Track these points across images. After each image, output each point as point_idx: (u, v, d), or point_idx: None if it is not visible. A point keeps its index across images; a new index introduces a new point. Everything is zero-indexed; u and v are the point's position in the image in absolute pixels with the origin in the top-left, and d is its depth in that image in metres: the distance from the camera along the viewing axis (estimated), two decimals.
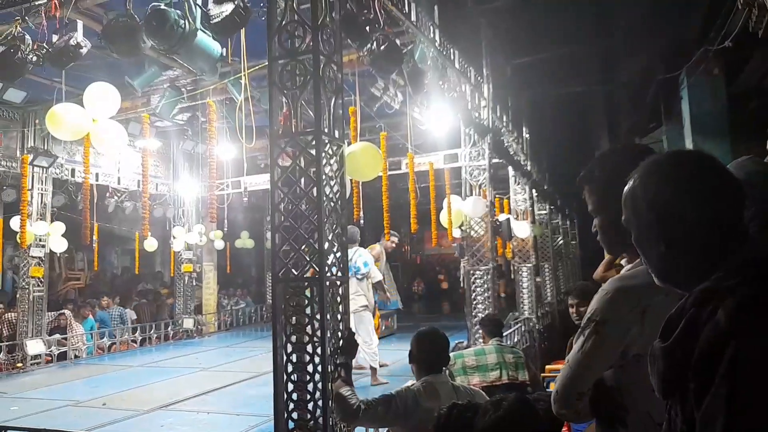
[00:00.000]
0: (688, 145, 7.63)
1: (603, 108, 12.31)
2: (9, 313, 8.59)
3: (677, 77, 7.73)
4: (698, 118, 7.34)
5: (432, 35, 5.70)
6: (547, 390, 5.09)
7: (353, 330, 3.29)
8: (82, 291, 12.73)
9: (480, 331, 5.32)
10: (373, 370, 6.43)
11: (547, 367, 6.58)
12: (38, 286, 8.24)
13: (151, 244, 9.85)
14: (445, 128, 7.63)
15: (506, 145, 8.27)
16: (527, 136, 10.39)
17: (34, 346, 8.04)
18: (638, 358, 1.38)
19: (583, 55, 9.01)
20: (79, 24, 4.92)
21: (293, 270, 3.13)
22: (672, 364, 0.88)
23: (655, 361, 0.91)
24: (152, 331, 10.27)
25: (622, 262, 1.60)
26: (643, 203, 1.03)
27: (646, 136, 11.29)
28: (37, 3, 4.59)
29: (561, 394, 1.43)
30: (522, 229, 9.60)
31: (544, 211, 11.90)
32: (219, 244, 11.38)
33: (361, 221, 7.20)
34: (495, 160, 7.76)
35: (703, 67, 7.03)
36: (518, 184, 10.12)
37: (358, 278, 6.72)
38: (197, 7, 4.16)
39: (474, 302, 7.07)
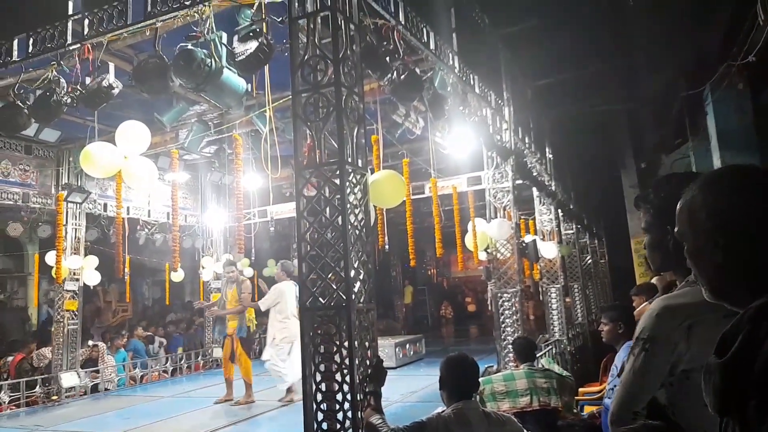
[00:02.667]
0: (716, 160, 7.51)
1: (627, 125, 12.22)
2: (43, 348, 8.76)
3: (701, 93, 7.66)
4: (725, 133, 7.25)
5: (451, 62, 5.77)
6: (582, 414, 4.97)
7: (379, 359, 3.29)
8: (129, 321, 13.06)
9: (512, 353, 5.24)
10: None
11: (581, 390, 6.44)
12: (72, 319, 8.43)
13: (178, 276, 10.01)
14: (467, 151, 7.67)
15: (530, 166, 8.25)
16: (550, 156, 10.35)
17: (69, 379, 8.19)
18: (687, 374, 1.41)
19: (605, 73, 8.99)
20: (111, 66, 5.12)
21: (320, 299, 3.17)
22: (729, 380, 0.87)
23: (710, 377, 0.90)
24: (182, 361, 10.39)
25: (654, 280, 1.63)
26: (702, 213, 1.03)
27: (672, 152, 11.15)
28: (70, 48, 4.81)
29: (616, 414, 1.49)
30: (549, 250, 9.50)
31: (571, 231, 11.77)
32: (248, 272, 11.49)
33: (386, 247, 7.23)
34: (519, 182, 7.75)
35: (727, 82, 6.97)
36: (543, 204, 10.04)
37: None
38: (223, 46, 4.31)
39: (503, 325, 6.99)
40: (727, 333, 0.91)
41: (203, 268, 10.78)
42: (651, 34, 7.64)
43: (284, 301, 7.01)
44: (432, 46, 5.24)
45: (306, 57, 3.33)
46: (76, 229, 8.65)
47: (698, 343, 1.40)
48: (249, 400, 7.11)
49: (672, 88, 8.88)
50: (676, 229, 1.10)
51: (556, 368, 4.44)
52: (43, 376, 8.21)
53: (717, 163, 7.47)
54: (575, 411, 4.13)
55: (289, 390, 6.91)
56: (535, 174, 8.70)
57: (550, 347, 7.83)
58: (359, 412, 2.92)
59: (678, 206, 1.10)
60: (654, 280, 5.38)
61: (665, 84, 9.06)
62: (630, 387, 1.47)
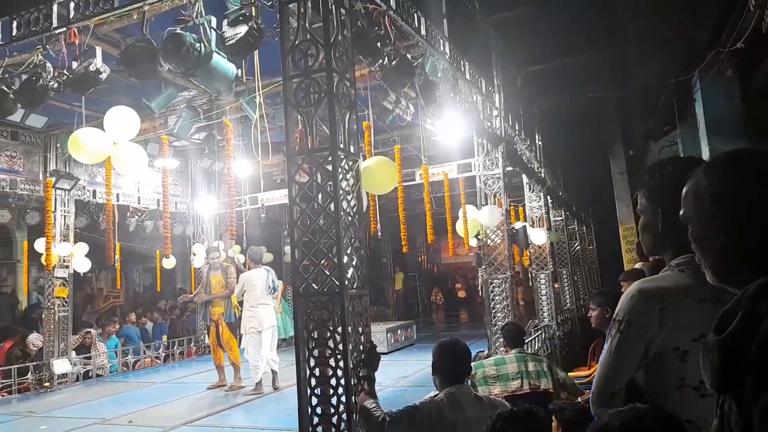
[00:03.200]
0: (704, 147, 7.58)
1: (616, 112, 12.27)
2: (34, 334, 8.71)
3: (690, 80, 7.71)
4: (713, 120, 7.31)
5: (442, 48, 5.76)
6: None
7: (373, 344, 3.32)
8: (121, 308, 13.02)
9: (501, 339, 5.30)
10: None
11: (570, 374, 6.53)
12: (63, 306, 8.39)
13: (169, 262, 9.98)
14: (457, 138, 7.68)
15: (519, 153, 8.27)
16: (540, 143, 10.39)
17: (60, 366, 8.18)
18: (659, 357, 1.44)
19: (595, 61, 9.01)
20: (98, 50, 5.05)
21: (314, 284, 3.18)
22: (727, 357, 0.88)
23: (708, 354, 0.91)
24: (175, 348, 10.40)
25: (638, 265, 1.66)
26: (706, 195, 1.04)
27: (660, 139, 11.23)
28: (56, 31, 4.73)
29: (596, 394, 1.54)
30: (538, 236, 9.57)
31: (560, 218, 11.85)
32: (238, 260, 11.48)
33: (379, 234, 7.25)
34: (509, 169, 7.78)
35: (716, 69, 7.00)
36: (533, 191, 10.10)
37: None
38: (212, 30, 4.26)
39: (493, 311, 7.06)
40: (725, 312, 0.92)
41: (194, 255, 10.74)
42: (641, 22, 7.66)
43: (252, 289, 6.93)
44: (423, 32, 5.22)
45: (297, 42, 3.30)
46: (65, 216, 8.59)
47: (670, 327, 1.44)
48: (239, 385, 7.14)
49: (661, 76, 8.92)
50: (681, 212, 1.12)
51: (560, 373, 4.45)
52: (34, 363, 8.19)
53: (705, 149, 7.53)
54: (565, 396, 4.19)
55: (258, 384, 6.84)
56: (525, 161, 8.73)
57: (539, 332, 7.92)
58: (353, 397, 2.95)
59: (684, 189, 1.11)
60: (638, 265, 5.46)
61: (655, 72, 9.09)
62: (607, 368, 1.51)
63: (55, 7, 4.69)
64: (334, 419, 3.00)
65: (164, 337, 11.21)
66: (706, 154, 7.32)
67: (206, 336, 10.57)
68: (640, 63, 8.92)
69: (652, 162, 1.93)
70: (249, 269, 7.37)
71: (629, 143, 13.38)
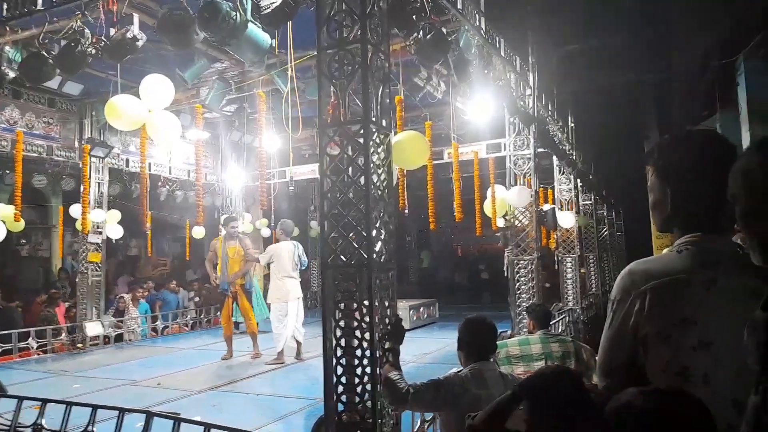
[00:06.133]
0: (745, 132, 7.33)
1: (653, 96, 11.91)
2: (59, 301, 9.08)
3: (733, 63, 7.42)
4: (757, 104, 7.04)
5: (477, 23, 5.65)
6: None
7: (398, 317, 3.33)
8: (169, 275, 13.46)
9: (526, 320, 5.29)
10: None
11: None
12: (96, 270, 8.64)
13: (199, 232, 10.16)
14: (487, 117, 7.58)
15: (551, 134, 8.13)
16: (572, 125, 10.20)
17: (93, 328, 8.46)
18: (645, 339, 1.43)
19: (635, 42, 8.73)
20: (135, 17, 5.09)
21: (342, 256, 3.20)
22: None
23: (754, 332, 0.90)
24: (202, 315, 10.66)
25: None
26: (759, 174, 1.02)
27: (698, 125, 10.89)
28: None
29: (598, 368, 1.57)
30: (566, 219, 9.46)
31: (589, 202, 11.68)
32: (265, 232, 11.62)
33: (406, 210, 7.24)
34: (540, 150, 7.66)
35: (762, 51, 6.73)
36: (563, 173, 9.95)
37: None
38: None
39: (518, 292, 7.03)
40: None
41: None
42: (687, 2, 7.38)
43: (278, 260, 7.07)
44: (459, 5, 5.12)
45: (332, 13, 3.27)
46: (99, 183, 8.79)
47: (653, 309, 1.41)
48: (258, 353, 7.30)
49: (703, 58, 8.61)
50: (728, 190, 1.09)
51: (586, 354, 4.39)
52: (68, 325, 8.48)
53: (746, 135, 7.28)
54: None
55: (280, 353, 6.97)
56: (556, 142, 8.58)
57: (563, 316, 7.87)
58: (378, 368, 2.98)
59: (733, 169, 1.08)
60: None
61: (696, 54, 8.78)
62: (603, 343, 1.54)
63: None
64: (359, 389, 3.03)
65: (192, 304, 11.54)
66: (747, 140, 7.08)
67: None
68: (681, 45, 8.63)
69: (664, 137, 1.87)
70: (277, 241, 7.45)
71: (665, 128, 13.00)
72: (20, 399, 3.46)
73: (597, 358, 1.58)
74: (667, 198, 1.49)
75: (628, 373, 1.45)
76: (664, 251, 1.54)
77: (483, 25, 5.79)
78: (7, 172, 8.68)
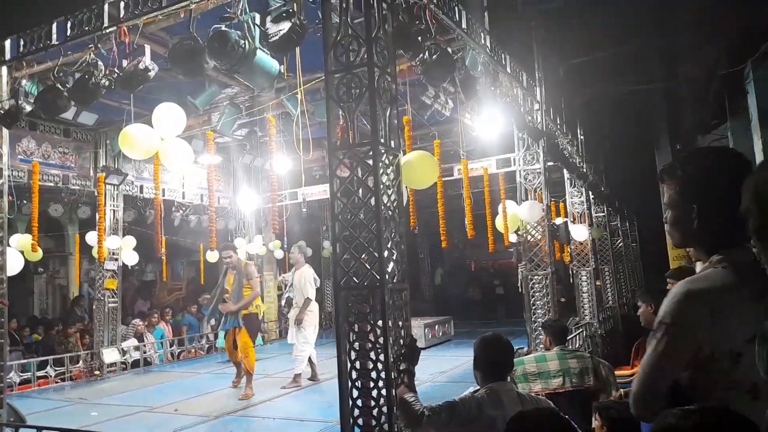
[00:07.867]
0: (756, 140, 7.26)
1: (662, 105, 11.87)
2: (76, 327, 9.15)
3: (742, 71, 7.39)
4: (767, 113, 6.99)
5: (483, 41, 5.70)
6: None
7: (413, 338, 3.32)
8: (183, 299, 13.56)
9: (542, 335, 5.23)
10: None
11: None
12: (112, 297, 8.71)
13: (213, 256, 10.23)
14: (496, 133, 7.59)
15: (561, 147, 8.12)
16: (582, 137, 10.17)
17: (110, 355, 8.50)
18: (711, 359, 1.39)
19: (642, 52, 8.74)
20: (147, 49, 5.20)
21: (354, 278, 3.21)
22: None
23: (765, 342, 0.90)
24: (217, 340, 10.68)
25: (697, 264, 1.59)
26: None
27: (708, 133, 10.81)
28: (107, 30, 4.90)
29: (637, 396, 1.48)
30: (580, 233, 9.38)
31: (602, 213, 11.60)
32: (278, 254, 11.68)
33: (416, 229, 7.24)
34: (549, 163, 7.65)
35: None
36: (574, 186, 9.91)
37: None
38: (256, 26, 4.34)
39: (533, 307, 6.97)
40: None
41: (237, 248, 10.98)
42: (696, 10, 7.38)
43: (311, 285, 7.06)
44: (464, 25, 5.18)
45: (338, 37, 3.33)
46: (114, 210, 8.90)
47: (722, 328, 1.38)
48: (247, 394, 6.52)
49: (712, 67, 8.57)
50: (742, 205, 1.09)
51: (604, 370, 4.32)
52: (85, 352, 8.53)
53: (757, 144, 7.21)
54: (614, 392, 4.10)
55: (297, 376, 6.94)
56: (566, 155, 8.56)
57: (580, 330, 7.78)
58: (393, 390, 2.97)
59: (746, 183, 1.09)
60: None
61: (705, 62, 8.75)
62: (651, 370, 1.46)
63: (106, 7, 4.84)
64: (375, 411, 3.02)
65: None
66: (758, 149, 7.02)
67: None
68: (690, 54, 8.61)
69: (684, 153, 1.87)
70: (295, 263, 7.37)
71: (676, 137, 12.93)
72: (39, 429, 3.48)
73: (640, 382, 1.49)
74: (692, 214, 1.48)
75: (673, 397, 1.42)
76: (703, 268, 1.50)
77: (488, 43, 5.84)
78: (25, 202, 8.82)
